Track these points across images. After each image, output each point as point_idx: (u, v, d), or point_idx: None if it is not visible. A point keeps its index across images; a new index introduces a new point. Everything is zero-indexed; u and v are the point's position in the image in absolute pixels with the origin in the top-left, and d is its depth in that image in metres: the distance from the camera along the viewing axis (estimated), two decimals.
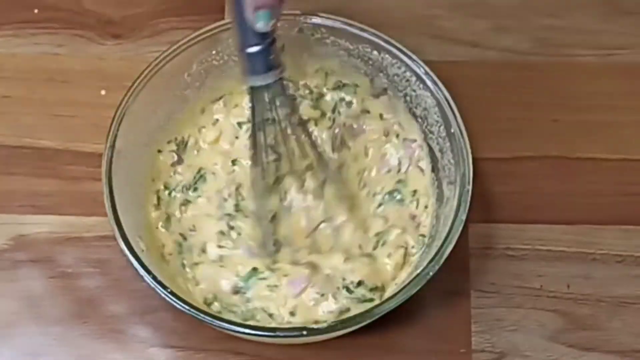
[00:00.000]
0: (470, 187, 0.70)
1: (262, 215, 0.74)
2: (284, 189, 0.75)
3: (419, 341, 0.75)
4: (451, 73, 0.75)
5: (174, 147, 0.77)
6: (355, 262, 0.73)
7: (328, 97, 0.79)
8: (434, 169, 0.75)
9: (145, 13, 0.86)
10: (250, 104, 0.70)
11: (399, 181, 0.76)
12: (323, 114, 0.78)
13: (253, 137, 0.71)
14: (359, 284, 0.72)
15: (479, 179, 0.74)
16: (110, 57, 0.84)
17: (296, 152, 0.73)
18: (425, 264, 0.68)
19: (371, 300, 0.71)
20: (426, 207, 0.75)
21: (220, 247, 0.74)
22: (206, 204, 0.76)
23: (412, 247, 0.74)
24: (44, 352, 0.74)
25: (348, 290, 0.72)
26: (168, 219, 0.75)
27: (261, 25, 0.64)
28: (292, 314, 0.72)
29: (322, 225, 0.75)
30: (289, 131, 0.72)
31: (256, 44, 0.66)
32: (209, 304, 0.72)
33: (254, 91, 0.69)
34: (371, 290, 0.72)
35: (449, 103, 0.72)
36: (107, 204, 0.69)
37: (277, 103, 0.69)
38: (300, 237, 0.74)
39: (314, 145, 0.73)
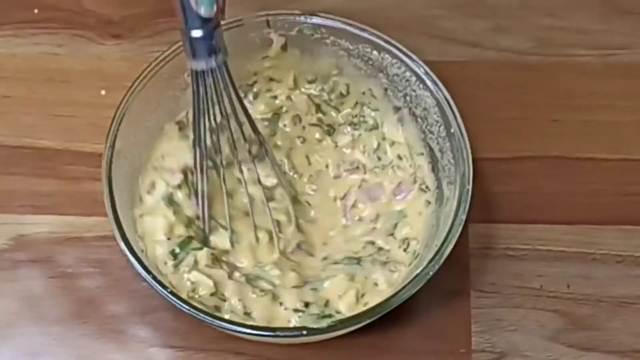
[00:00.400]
0: (470, 187, 0.70)
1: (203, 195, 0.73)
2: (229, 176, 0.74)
3: (419, 341, 0.75)
4: (451, 73, 0.75)
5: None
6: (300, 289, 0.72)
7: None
8: (434, 169, 0.75)
9: (145, 13, 0.86)
10: (192, 87, 0.69)
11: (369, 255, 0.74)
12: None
13: (195, 122, 0.70)
14: (306, 305, 0.72)
15: (479, 179, 0.74)
16: (110, 57, 0.84)
17: (238, 138, 0.72)
18: (425, 263, 0.68)
19: (330, 315, 0.71)
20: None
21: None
22: None
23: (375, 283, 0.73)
24: (44, 352, 0.74)
25: (297, 310, 0.71)
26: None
27: (203, 10, 0.64)
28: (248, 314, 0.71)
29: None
30: (230, 117, 0.71)
31: (199, 28, 0.65)
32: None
33: (196, 75, 0.68)
34: (326, 306, 0.72)
35: (449, 103, 0.72)
36: (107, 204, 0.69)
37: (220, 88, 0.68)
38: (243, 224, 0.74)
39: (255, 132, 0.72)
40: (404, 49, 0.74)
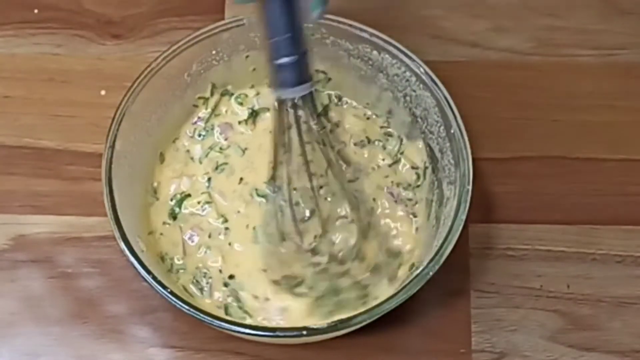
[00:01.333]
0: (470, 187, 0.70)
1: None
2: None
3: (419, 341, 0.75)
4: (451, 73, 0.75)
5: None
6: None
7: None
8: (434, 169, 0.75)
9: (145, 13, 0.86)
10: (275, 117, 0.68)
11: None
12: None
13: (275, 152, 0.69)
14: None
15: (479, 179, 0.74)
16: (110, 57, 0.84)
17: (327, 171, 0.71)
18: (425, 263, 0.68)
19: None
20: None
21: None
22: None
23: None
24: (44, 352, 0.74)
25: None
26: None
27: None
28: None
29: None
30: (314, 147, 0.69)
31: (289, 55, 0.63)
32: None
33: (281, 104, 0.66)
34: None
35: (449, 103, 0.72)
36: (107, 204, 0.69)
37: (305, 117, 0.67)
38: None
39: (344, 162, 0.72)
40: (404, 49, 0.74)
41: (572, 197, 0.79)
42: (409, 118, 0.76)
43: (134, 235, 0.70)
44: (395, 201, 0.76)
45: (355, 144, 0.78)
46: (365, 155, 0.77)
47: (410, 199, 0.76)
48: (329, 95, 0.80)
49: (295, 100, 0.66)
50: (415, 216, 0.75)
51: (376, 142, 0.78)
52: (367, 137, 0.78)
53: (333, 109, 0.79)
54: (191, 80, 0.76)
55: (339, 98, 0.79)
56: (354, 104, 0.79)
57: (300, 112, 0.67)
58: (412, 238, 0.75)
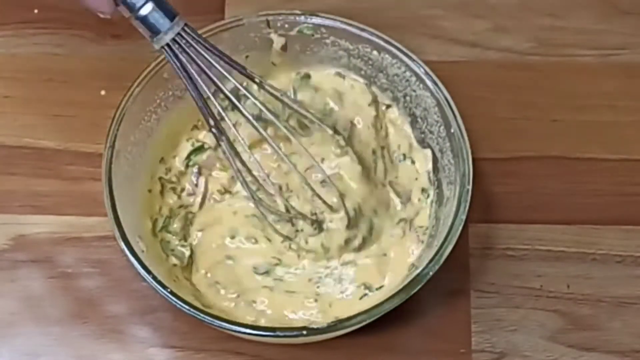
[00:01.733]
0: (470, 187, 0.70)
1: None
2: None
3: (419, 341, 0.75)
4: (451, 73, 0.75)
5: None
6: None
7: None
8: (434, 169, 0.75)
9: None
10: (174, 65, 0.68)
11: None
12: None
13: (192, 92, 0.68)
14: None
15: (479, 179, 0.74)
16: (110, 57, 0.84)
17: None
18: (425, 263, 0.68)
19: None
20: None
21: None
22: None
23: None
24: (44, 352, 0.74)
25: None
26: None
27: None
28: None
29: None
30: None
31: (145, 3, 0.65)
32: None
33: (167, 50, 0.67)
34: None
35: (449, 103, 0.72)
36: (107, 204, 0.69)
37: (196, 47, 0.67)
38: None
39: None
40: (404, 49, 0.74)
41: (572, 197, 0.79)
42: (409, 118, 0.76)
43: (134, 235, 0.69)
44: (410, 229, 0.75)
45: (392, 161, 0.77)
46: (405, 180, 0.76)
47: (421, 226, 0.74)
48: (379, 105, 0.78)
49: (179, 40, 0.66)
50: (422, 243, 0.74)
51: (407, 160, 0.77)
52: (403, 154, 0.77)
53: (380, 113, 0.78)
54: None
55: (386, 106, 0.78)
56: (395, 111, 0.78)
57: (195, 46, 0.67)
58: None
